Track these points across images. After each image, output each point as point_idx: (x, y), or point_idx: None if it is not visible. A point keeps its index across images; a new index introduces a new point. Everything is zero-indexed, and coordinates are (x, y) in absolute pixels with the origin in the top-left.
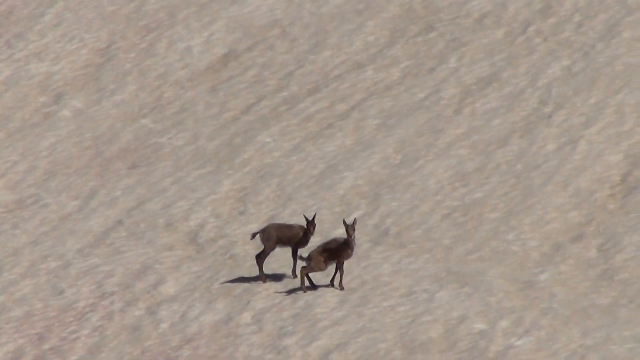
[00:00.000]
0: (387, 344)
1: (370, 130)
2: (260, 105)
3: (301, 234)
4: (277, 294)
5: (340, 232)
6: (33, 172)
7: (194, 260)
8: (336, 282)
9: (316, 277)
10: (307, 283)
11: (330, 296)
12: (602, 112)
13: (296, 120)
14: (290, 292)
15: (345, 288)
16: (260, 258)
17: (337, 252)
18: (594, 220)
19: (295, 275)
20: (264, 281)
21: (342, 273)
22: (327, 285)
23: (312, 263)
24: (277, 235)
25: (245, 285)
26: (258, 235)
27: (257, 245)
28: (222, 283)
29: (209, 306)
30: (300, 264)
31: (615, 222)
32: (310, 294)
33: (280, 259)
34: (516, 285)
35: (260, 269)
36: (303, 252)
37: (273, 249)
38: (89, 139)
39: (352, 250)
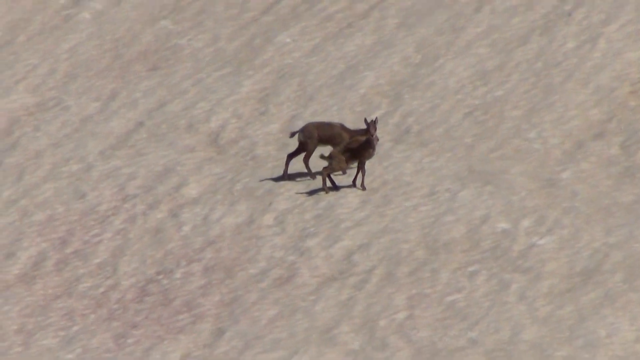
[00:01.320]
0: (410, 245)
1: (390, 30)
2: (280, 5)
3: (344, 134)
4: (299, 195)
5: None
6: (53, 75)
7: (215, 162)
8: (358, 182)
9: (338, 177)
10: (328, 184)
11: (352, 197)
12: (622, 9)
13: (316, 20)
14: (312, 193)
15: (367, 188)
16: (305, 157)
17: (358, 151)
18: (615, 117)
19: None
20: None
21: (364, 173)
22: (349, 186)
23: (334, 162)
24: (318, 134)
25: (267, 186)
26: (297, 134)
27: (279, 146)
28: (244, 184)
29: (231, 208)
30: (322, 163)
31: (637, 119)
32: (332, 195)
33: (302, 158)
34: (538, 184)
35: (286, 165)
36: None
37: (315, 147)
38: (109, 41)
39: (374, 149)
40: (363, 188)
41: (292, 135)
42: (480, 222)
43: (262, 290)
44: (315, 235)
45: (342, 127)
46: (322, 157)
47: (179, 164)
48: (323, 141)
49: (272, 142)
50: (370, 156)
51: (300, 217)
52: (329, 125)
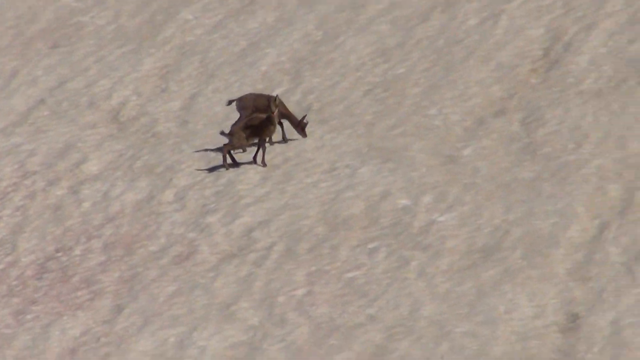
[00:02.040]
0: (310, 221)
1: (291, 7)
2: None
3: (280, 104)
4: (200, 171)
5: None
6: None
7: (116, 139)
8: (258, 159)
9: (238, 154)
10: (229, 160)
11: (252, 173)
12: None
13: None
14: (213, 169)
15: (267, 165)
16: (234, 124)
17: (259, 128)
18: (516, 94)
19: (272, 143)
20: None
21: (265, 149)
22: (249, 162)
23: (234, 139)
24: (254, 105)
25: (168, 163)
26: (234, 102)
27: (179, 123)
28: (144, 161)
29: (131, 184)
30: (225, 140)
31: (538, 96)
32: (232, 171)
33: (203, 135)
34: (439, 160)
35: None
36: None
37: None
38: (11, 18)
39: (275, 126)
40: (264, 164)
41: (229, 103)
42: (380, 198)
43: (162, 267)
44: (216, 212)
45: (281, 99)
46: (222, 133)
47: (80, 140)
48: (260, 111)
49: (173, 119)
50: (271, 133)
51: (200, 194)
52: (267, 96)
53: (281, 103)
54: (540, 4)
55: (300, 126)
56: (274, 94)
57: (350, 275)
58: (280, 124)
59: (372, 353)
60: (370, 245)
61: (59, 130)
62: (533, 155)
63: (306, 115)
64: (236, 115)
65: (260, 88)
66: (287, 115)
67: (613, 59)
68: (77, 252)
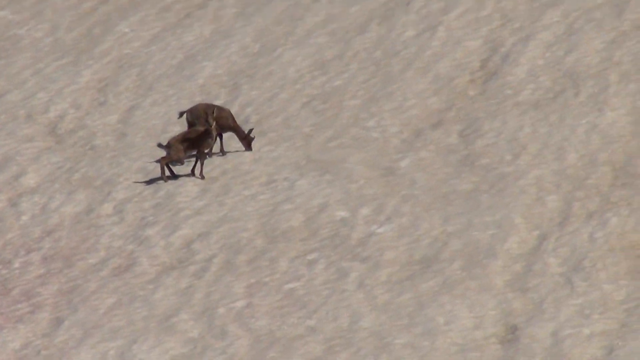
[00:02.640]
0: (249, 233)
1: (228, 19)
2: None
3: (230, 118)
4: (138, 184)
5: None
6: None
7: (54, 152)
8: (197, 172)
9: (177, 167)
10: (167, 172)
11: (191, 186)
12: None
13: (155, 10)
14: (151, 182)
15: (205, 177)
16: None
17: (197, 141)
18: (454, 106)
19: (224, 153)
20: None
21: (203, 162)
22: (187, 175)
23: (172, 152)
24: (206, 115)
25: (106, 176)
26: (185, 114)
27: (117, 136)
28: (82, 174)
29: (70, 197)
30: (163, 153)
31: (476, 107)
32: (171, 184)
33: (141, 148)
34: (377, 172)
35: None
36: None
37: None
38: None
39: (213, 139)
40: (202, 177)
41: (181, 115)
42: (318, 210)
43: (101, 279)
44: (155, 224)
45: (230, 112)
46: (159, 145)
47: (18, 153)
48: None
49: (111, 132)
50: (209, 146)
51: (139, 206)
52: (218, 108)
53: (230, 115)
54: (477, 15)
55: (246, 140)
56: (215, 105)
57: (289, 286)
58: (220, 136)
59: None
60: (309, 257)
61: None
62: (471, 167)
63: (252, 129)
64: (176, 128)
65: (198, 101)
66: (234, 128)
67: (550, 70)
68: (17, 265)
